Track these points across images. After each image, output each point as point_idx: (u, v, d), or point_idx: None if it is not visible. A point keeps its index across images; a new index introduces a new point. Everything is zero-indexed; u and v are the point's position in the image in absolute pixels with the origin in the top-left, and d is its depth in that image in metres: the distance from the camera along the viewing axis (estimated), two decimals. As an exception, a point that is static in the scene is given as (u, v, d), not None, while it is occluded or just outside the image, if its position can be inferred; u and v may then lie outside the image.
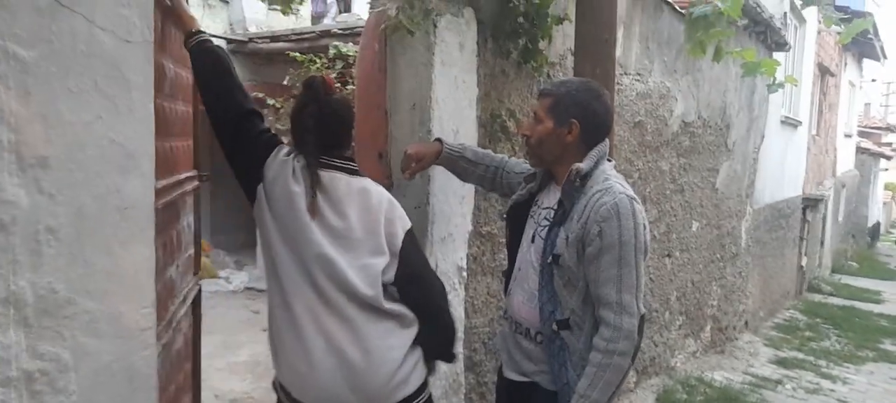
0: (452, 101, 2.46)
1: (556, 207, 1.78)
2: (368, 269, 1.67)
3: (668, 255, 4.93)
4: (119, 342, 1.43)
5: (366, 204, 1.72)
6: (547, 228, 1.78)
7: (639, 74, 4.11)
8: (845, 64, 13.15)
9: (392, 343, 1.68)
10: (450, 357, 1.93)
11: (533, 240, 1.84)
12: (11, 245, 1.24)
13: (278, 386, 1.77)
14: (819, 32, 9.84)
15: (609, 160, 1.82)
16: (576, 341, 1.71)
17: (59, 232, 1.30)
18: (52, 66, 1.27)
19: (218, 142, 1.78)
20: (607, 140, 1.81)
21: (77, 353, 1.36)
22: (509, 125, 2.87)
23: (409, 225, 1.78)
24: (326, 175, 1.72)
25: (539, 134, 1.79)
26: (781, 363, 6.21)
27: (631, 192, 1.71)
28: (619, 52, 3.29)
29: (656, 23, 4.27)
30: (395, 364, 1.67)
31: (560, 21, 2.87)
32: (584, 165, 1.74)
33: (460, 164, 2.17)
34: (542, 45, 2.89)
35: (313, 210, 1.67)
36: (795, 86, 7.11)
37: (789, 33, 7.78)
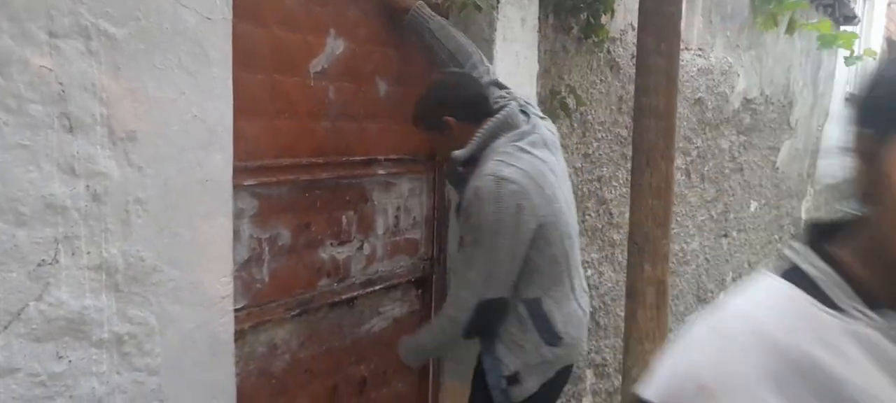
0: (513, 77, 2.44)
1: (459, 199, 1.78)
2: None
3: (725, 235, 4.82)
4: (200, 309, 1.49)
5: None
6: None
7: (700, 49, 3.99)
8: (916, 37, 12.46)
9: None
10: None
11: None
12: (104, 214, 1.31)
13: None
14: (889, 4, 9.33)
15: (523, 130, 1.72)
16: (506, 321, 1.75)
17: (147, 203, 1.36)
18: (140, 44, 1.32)
19: None
20: (501, 116, 1.71)
21: (162, 319, 1.42)
22: (569, 101, 2.84)
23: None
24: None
25: (436, 151, 1.83)
26: (840, 348, 6.04)
27: (507, 172, 1.61)
28: (681, 26, 3.19)
29: (719, -5, 4.13)
30: None
31: (623, -6, 2.80)
32: (461, 153, 1.71)
33: (425, 37, 2.00)
34: (603, 19, 2.83)
35: None
36: (875, 59, 6.78)
37: (858, 5, 7.40)
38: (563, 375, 1.88)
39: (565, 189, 1.79)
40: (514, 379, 1.76)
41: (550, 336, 1.74)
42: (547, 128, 1.81)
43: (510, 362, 1.75)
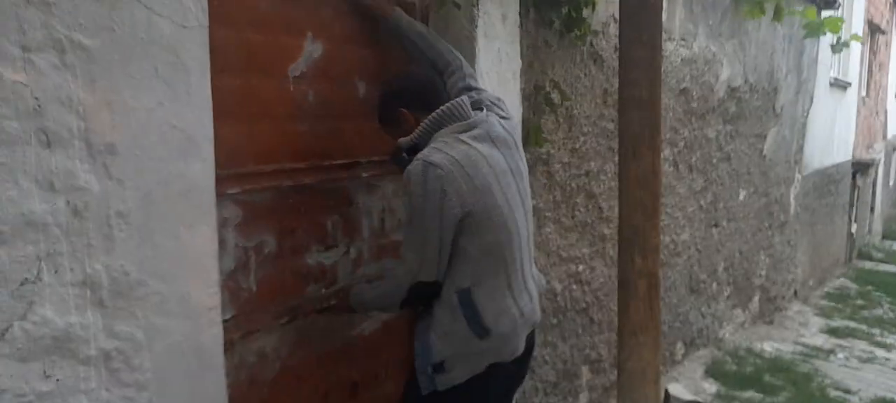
0: (496, 74, 2.44)
1: None
2: None
3: (716, 225, 4.84)
4: (188, 321, 1.48)
5: None
6: None
7: (683, 39, 4.01)
8: (896, 21, 12.57)
9: None
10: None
11: None
12: (85, 229, 1.29)
13: None
14: (869, -11, 9.41)
15: (471, 121, 1.75)
16: (440, 308, 1.76)
17: (128, 216, 1.35)
18: (115, 54, 1.31)
19: None
20: (448, 107, 1.74)
21: (149, 332, 1.41)
22: (553, 96, 2.84)
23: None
24: None
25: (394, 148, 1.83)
26: (833, 332, 6.07)
27: (436, 158, 1.65)
28: (663, 16, 3.21)
29: (700, -14, 4.15)
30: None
31: (603, -12, 2.81)
32: (405, 140, 1.76)
33: (405, 46, 2.04)
34: (585, 12, 2.84)
35: None
36: (861, 42, 6.81)
37: (838, -9, 7.45)
38: (499, 374, 1.81)
39: (509, 185, 1.76)
40: (440, 367, 1.75)
41: (479, 328, 1.73)
42: (502, 127, 1.82)
43: (439, 351, 1.75)
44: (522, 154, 1.90)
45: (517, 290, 1.80)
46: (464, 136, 1.72)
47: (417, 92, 1.82)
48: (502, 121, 1.85)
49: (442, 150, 1.68)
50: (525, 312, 1.83)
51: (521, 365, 1.92)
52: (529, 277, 1.89)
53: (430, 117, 1.75)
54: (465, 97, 1.81)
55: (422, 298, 1.78)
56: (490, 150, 1.74)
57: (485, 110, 1.82)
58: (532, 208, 1.95)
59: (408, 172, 1.67)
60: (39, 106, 1.21)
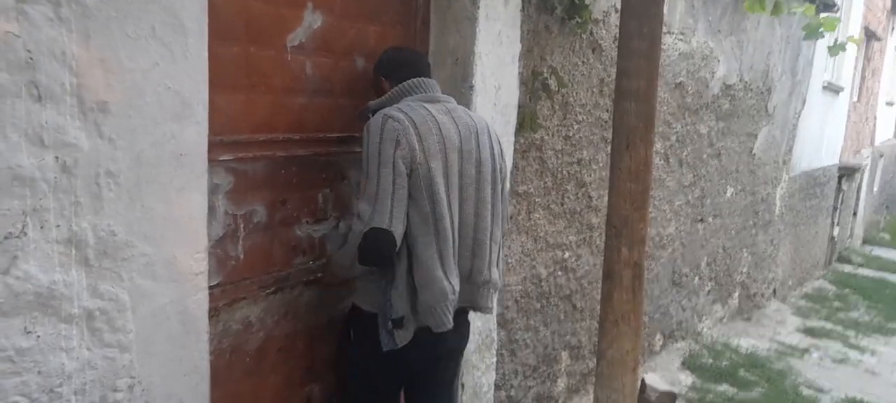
0: (495, 57, 2.43)
1: None
2: None
3: (701, 220, 4.88)
4: (174, 285, 1.47)
5: None
6: None
7: (682, 34, 4.00)
8: (892, 28, 12.63)
9: None
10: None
11: None
12: (73, 187, 1.28)
13: None
14: (868, -6, 9.43)
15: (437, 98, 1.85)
16: (399, 266, 1.77)
17: (118, 176, 1.33)
18: (112, 11, 1.28)
19: None
20: (417, 80, 1.85)
21: (134, 294, 1.40)
22: (550, 83, 2.83)
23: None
24: None
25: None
26: (809, 332, 6.16)
27: (395, 114, 1.73)
28: (664, 9, 3.20)
29: (702, -20, 4.13)
30: None
31: (607, -24, 2.79)
32: (374, 102, 1.88)
33: None
34: (587, 0, 2.82)
35: None
36: (857, 44, 6.83)
37: (837, -6, 7.46)
38: (428, 341, 1.83)
39: (452, 163, 1.78)
40: (399, 323, 1.78)
41: (412, 287, 1.78)
42: (469, 116, 1.88)
43: (400, 306, 1.78)
44: (492, 152, 1.91)
45: (448, 268, 1.81)
46: (426, 105, 1.81)
47: (396, 65, 1.91)
48: (473, 115, 1.92)
49: (402, 110, 1.76)
50: (457, 290, 1.84)
51: (447, 342, 1.93)
52: (465, 262, 1.88)
53: (400, 85, 1.85)
54: (436, 83, 1.91)
55: (378, 248, 1.73)
56: (447, 124, 1.81)
57: (457, 103, 1.91)
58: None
59: (368, 125, 1.74)
60: (32, 58, 1.19)
